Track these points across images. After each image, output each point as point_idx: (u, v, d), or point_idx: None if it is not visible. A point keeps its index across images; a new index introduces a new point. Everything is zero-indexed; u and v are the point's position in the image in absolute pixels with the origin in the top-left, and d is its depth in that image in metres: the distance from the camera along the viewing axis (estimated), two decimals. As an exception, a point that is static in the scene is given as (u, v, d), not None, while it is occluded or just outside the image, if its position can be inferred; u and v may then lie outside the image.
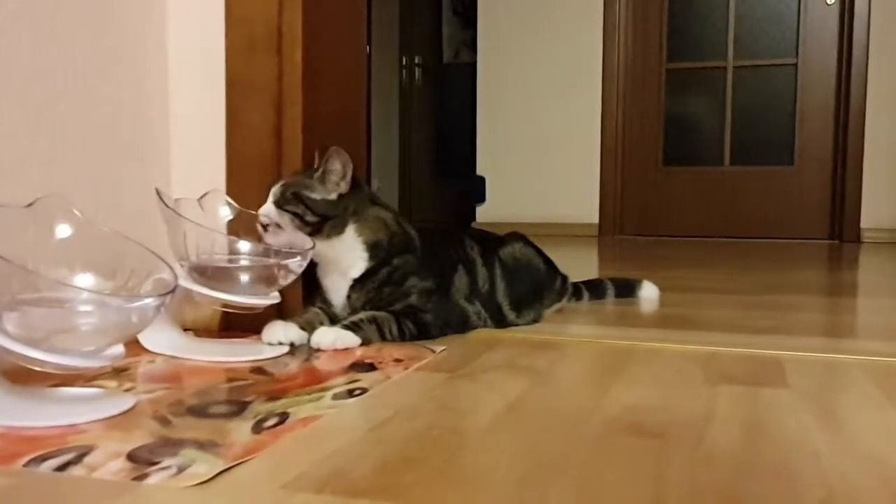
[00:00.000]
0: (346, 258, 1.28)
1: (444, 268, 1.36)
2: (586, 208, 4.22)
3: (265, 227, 1.24)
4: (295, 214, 1.23)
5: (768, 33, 4.04)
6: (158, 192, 1.13)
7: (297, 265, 1.19)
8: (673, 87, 4.21)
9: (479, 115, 4.44)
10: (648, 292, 1.80)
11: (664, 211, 4.21)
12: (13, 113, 1.08)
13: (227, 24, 1.33)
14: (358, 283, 1.28)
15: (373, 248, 1.28)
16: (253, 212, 1.25)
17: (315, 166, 1.28)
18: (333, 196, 1.25)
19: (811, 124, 3.99)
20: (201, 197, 1.24)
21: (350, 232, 1.27)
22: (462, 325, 1.34)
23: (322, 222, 1.24)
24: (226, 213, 1.27)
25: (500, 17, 4.35)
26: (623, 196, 4.25)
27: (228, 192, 1.33)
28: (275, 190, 1.25)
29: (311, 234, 1.24)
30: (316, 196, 1.24)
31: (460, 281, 1.37)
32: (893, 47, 3.77)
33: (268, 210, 1.23)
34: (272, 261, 1.20)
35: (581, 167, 4.22)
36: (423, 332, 1.27)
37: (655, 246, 3.65)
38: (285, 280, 1.19)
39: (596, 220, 4.21)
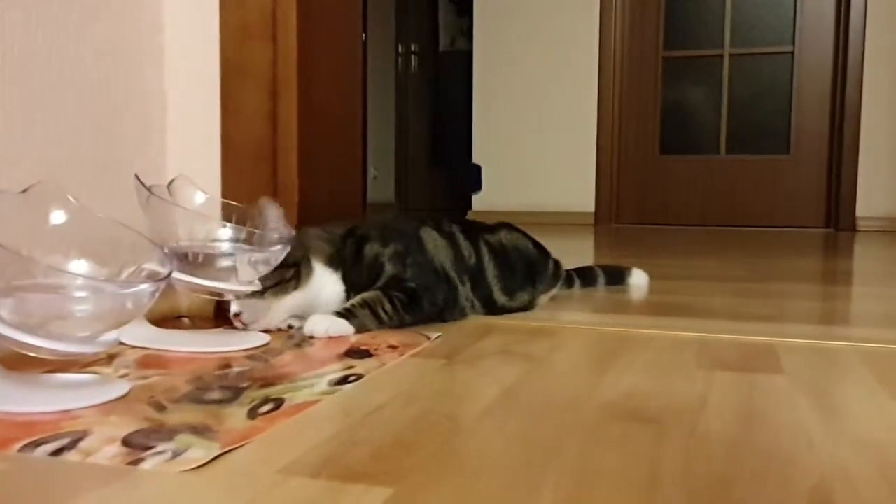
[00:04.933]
0: (324, 292, 1.25)
1: (405, 231, 1.33)
2: (583, 197, 4.22)
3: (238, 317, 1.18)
4: (278, 284, 1.19)
5: (765, 21, 4.03)
6: (138, 178, 1.12)
7: (278, 254, 1.17)
8: (670, 76, 4.21)
9: (475, 104, 4.43)
10: (638, 279, 1.81)
11: (660, 199, 4.22)
12: (7, 99, 1.08)
13: (222, 10, 1.32)
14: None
15: (329, 263, 1.26)
16: (232, 202, 1.21)
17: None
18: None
19: (807, 113, 3.99)
20: (170, 183, 1.20)
21: (316, 263, 1.24)
22: (450, 295, 1.31)
23: (298, 270, 1.21)
24: (199, 199, 1.23)
25: (497, 4, 4.33)
26: (619, 184, 4.25)
27: (223, 178, 1.32)
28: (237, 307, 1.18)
29: (294, 289, 1.21)
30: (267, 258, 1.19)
31: (432, 239, 1.34)
32: (890, 36, 3.77)
33: (249, 307, 1.17)
34: (253, 248, 1.16)
35: (577, 156, 4.22)
36: (413, 299, 1.25)
37: (651, 234, 3.65)
38: (267, 268, 1.17)
39: (592, 208, 4.21)
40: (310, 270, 1.24)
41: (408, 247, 1.30)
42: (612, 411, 0.83)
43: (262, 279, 1.17)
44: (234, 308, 1.18)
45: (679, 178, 4.19)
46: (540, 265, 1.54)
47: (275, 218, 1.17)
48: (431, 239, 1.34)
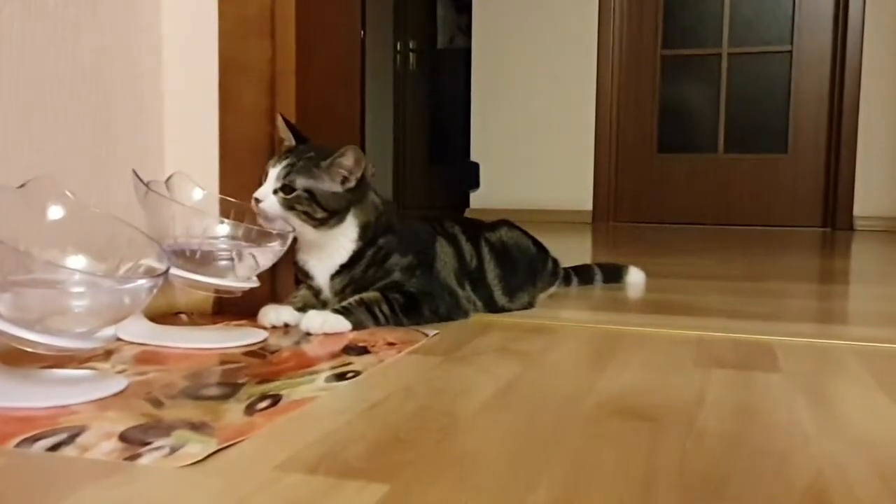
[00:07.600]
0: (335, 242, 1.26)
1: (425, 243, 1.34)
2: (580, 195, 4.22)
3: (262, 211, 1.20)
4: (305, 213, 1.20)
5: (763, 20, 4.03)
6: (135, 174, 1.12)
7: (276, 251, 1.17)
8: (668, 74, 4.20)
9: (473, 101, 4.42)
10: (635, 277, 1.82)
11: (658, 198, 4.22)
12: (4, 94, 1.07)
13: (221, 5, 1.32)
14: (344, 269, 1.26)
15: (363, 229, 1.26)
16: (230, 198, 1.22)
17: (292, 142, 1.25)
18: (341, 189, 1.23)
19: (805, 112, 3.99)
20: (168, 179, 1.20)
21: (349, 219, 1.25)
22: (453, 305, 1.31)
23: (329, 217, 1.23)
24: (197, 195, 1.23)
25: (496, 2, 4.33)
26: (617, 183, 4.25)
27: (221, 175, 1.32)
28: (275, 183, 1.19)
29: (314, 228, 1.22)
30: (326, 189, 1.21)
31: (444, 253, 1.35)
32: (888, 35, 3.77)
33: (270, 207, 1.19)
34: (251, 245, 1.16)
35: (575, 154, 4.22)
36: (412, 303, 1.25)
37: (649, 232, 3.65)
38: (266, 264, 1.17)
39: (590, 206, 4.21)
40: (339, 222, 1.24)
41: (422, 261, 1.30)
42: (608, 408, 0.83)
43: (300, 206, 1.20)
44: (258, 194, 1.19)
45: (677, 176, 4.19)
46: (539, 263, 1.54)
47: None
48: (443, 252, 1.35)
